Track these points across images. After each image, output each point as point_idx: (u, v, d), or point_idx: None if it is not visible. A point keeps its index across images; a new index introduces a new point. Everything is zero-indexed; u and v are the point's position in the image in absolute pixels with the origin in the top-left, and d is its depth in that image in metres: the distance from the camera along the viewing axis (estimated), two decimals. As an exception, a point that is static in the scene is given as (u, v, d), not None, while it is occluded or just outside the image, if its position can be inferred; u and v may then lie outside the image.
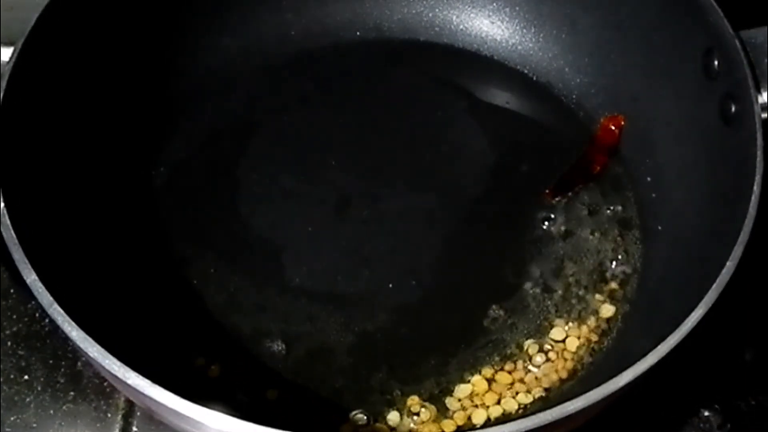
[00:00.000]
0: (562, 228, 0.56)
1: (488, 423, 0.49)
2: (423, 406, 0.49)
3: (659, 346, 0.39)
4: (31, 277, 0.41)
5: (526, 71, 0.63)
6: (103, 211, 0.53)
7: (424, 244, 0.55)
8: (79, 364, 0.54)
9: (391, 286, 0.54)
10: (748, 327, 0.56)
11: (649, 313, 0.51)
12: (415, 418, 0.49)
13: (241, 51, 0.62)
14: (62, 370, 0.54)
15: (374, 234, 0.56)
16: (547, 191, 0.57)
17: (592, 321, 0.52)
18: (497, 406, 0.49)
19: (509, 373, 0.50)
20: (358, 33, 0.64)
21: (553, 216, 0.56)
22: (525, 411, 0.49)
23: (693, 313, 0.40)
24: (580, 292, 0.53)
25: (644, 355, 0.39)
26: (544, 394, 0.50)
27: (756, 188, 0.44)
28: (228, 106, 0.61)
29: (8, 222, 0.42)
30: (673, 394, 0.53)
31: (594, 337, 0.52)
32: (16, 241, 0.41)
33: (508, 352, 0.51)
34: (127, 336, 0.44)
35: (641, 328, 0.50)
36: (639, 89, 0.58)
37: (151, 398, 0.37)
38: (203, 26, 0.61)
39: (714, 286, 0.41)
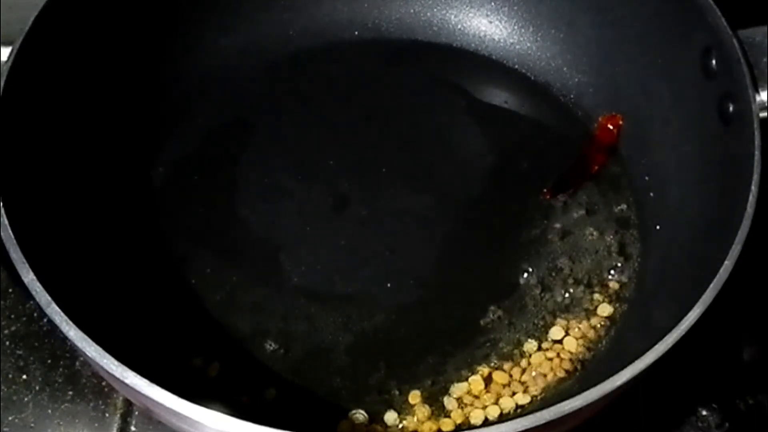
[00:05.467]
0: (561, 227, 0.56)
1: (486, 422, 0.49)
2: (421, 406, 0.49)
3: (657, 345, 0.39)
4: (29, 277, 0.41)
5: (524, 71, 0.63)
6: (102, 211, 0.53)
7: (422, 243, 0.55)
8: (77, 363, 0.54)
9: (389, 285, 0.54)
10: (746, 326, 0.56)
11: (647, 313, 0.51)
12: (413, 417, 0.49)
13: (239, 51, 0.62)
14: (60, 369, 0.54)
15: (372, 233, 0.56)
16: (545, 190, 0.57)
17: (590, 320, 0.52)
18: (495, 406, 0.49)
19: (507, 372, 0.50)
20: (356, 33, 0.64)
21: (551, 215, 0.56)
22: (523, 410, 0.49)
23: (691, 312, 0.40)
24: (579, 292, 0.53)
25: (642, 354, 0.39)
26: (542, 394, 0.50)
27: (754, 187, 0.44)
28: (227, 105, 0.61)
29: (6, 221, 0.42)
30: (672, 393, 0.53)
31: (592, 336, 0.52)
32: (14, 240, 0.41)
33: (507, 351, 0.51)
34: (125, 335, 0.44)
35: (639, 328, 0.50)
36: (637, 89, 0.58)
37: (149, 398, 0.37)
38: (201, 26, 0.61)
39: (712, 285, 0.41)
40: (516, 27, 0.63)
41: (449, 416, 0.49)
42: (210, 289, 0.53)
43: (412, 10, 0.65)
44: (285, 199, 0.57)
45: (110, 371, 0.38)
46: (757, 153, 0.45)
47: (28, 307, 0.56)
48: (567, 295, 0.53)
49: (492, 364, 0.51)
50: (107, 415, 0.53)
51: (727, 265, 0.42)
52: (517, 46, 0.63)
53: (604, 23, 0.59)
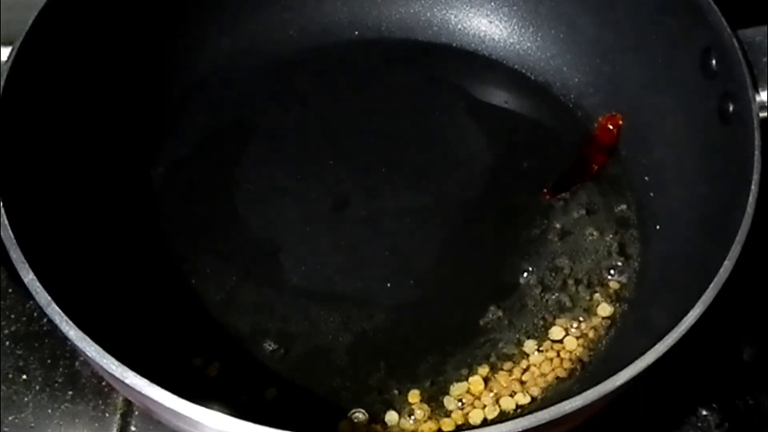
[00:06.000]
0: (561, 227, 0.56)
1: (486, 422, 0.49)
2: (421, 406, 0.49)
3: (657, 345, 0.39)
4: (28, 277, 0.41)
5: (524, 71, 0.63)
6: (101, 211, 0.53)
7: (422, 243, 0.55)
8: (77, 363, 0.54)
9: (389, 285, 0.54)
10: (746, 326, 0.56)
11: (647, 312, 0.51)
12: (412, 417, 0.49)
13: (239, 51, 0.62)
14: (60, 369, 0.54)
15: (372, 233, 0.56)
16: (545, 190, 0.57)
17: (590, 320, 0.52)
18: (495, 406, 0.49)
19: (507, 372, 0.50)
20: (356, 33, 0.64)
21: (551, 215, 0.56)
22: (523, 410, 0.49)
23: (691, 312, 0.40)
24: (579, 292, 0.53)
25: (642, 354, 0.39)
26: (542, 394, 0.50)
27: (754, 187, 0.44)
28: (226, 105, 0.61)
29: (6, 221, 0.42)
30: (672, 393, 0.53)
31: (592, 336, 0.52)
32: (14, 240, 0.41)
33: (506, 351, 0.51)
34: (125, 335, 0.44)
35: (639, 328, 0.50)
36: (637, 88, 0.58)
37: (149, 398, 0.37)
38: (201, 26, 0.61)
39: (712, 285, 0.41)
40: (516, 27, 0.63)
41: (449, 416, 0.49)
42: (210, 289, 0.53)
43: (412, 10, 0.65)
44: (284, 199, 0.57)
45: (110, 371, 0.38)
46: (756, 153, 0.45)
47: (28, 307, 0.56)
48: (567, 295, 0.53)
49: (492, 365, 0.51)
50: (107, 415, 0.53)
51: (727, 265, 0.42)
52: (517, 46, 0.63)
53: (604, 23, 0.59)
